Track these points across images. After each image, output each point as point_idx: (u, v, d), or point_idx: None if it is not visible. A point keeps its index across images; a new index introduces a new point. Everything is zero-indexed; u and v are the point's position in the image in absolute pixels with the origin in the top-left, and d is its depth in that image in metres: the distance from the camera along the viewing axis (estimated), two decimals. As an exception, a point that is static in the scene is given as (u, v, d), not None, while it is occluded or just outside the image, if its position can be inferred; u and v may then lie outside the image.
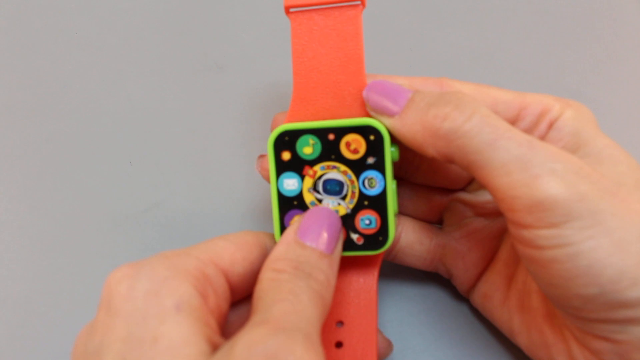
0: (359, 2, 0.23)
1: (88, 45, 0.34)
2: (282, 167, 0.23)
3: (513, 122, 0.23)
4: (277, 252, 0.20)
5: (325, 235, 0.21)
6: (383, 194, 0.22)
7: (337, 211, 0.22)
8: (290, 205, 0.23)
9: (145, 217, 0.30)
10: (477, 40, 0.34)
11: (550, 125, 0.22)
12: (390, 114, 0.21)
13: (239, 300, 0.22)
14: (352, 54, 0.23)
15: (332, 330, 0.24)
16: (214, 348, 0.17)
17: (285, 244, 0.20)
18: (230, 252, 0.20)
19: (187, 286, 0.18)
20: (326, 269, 0.20)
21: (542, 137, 0.22)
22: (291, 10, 0.23)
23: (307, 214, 0.22)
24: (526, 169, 0.18)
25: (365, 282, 0.24)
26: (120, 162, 0.31)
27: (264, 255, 0.22)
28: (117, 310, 0.17)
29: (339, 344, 0.24)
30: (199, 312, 0.18)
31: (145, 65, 0.34)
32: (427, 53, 0.34)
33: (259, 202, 0.30)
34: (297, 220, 0.21)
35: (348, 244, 0.23)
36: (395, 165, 0.25)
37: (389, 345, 0.25)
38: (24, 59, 0.34)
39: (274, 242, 0.23)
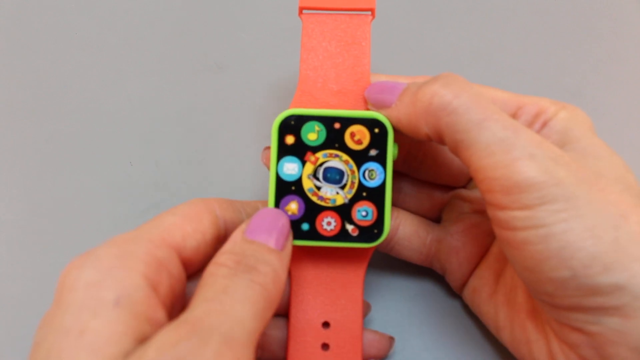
0: (369, 13, 0.24)
1: (88, 45, 0.34)
2: (284, 151, 0.23)
3: None
4: (224, 247, 0.20)
5: (273, 231, 0.20)
6: (382, 186, 0.22)
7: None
8: (288, 190, 0.23)
9: (145, 217, 0.30)
10: (477, 41, 0.34)
11: (544, 125, 0.22)
12: (388, 105, 0.22)
13: (197, 273, 0.21)
14: (359, 58, 0.24)
15: (318, 332, 0.24)
16: None
17: (232, 241, 0.20)
18: (180, 227, 0.20)
19: (133, 276, 0.17)
20: (274, 262, 0.19)
21: None
22: (304, 12, 0.24)
23: (256, 214, 0.21)
24: (507, 152, 0.19)
25: (353, 278, 0.24)
26: (120, 162, 0.31)
27: (215, 223, 0.21)
28: (61, 302, 0.17)
29: (325, 346, 0.24)
30: (141, 306, 0.17)
31: (145, 65, 0.34)
32: (428, 53, 0.34)
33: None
34: (245, 221, 0.21)
35: (342, 235, 0.23)
36: (399, 160, 0.26)
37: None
38: (24, 59, 0.34)
39: (224, 206, 0.22)
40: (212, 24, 0.35)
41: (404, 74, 0.24)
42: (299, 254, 0.24)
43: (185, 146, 0.32)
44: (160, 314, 0.18)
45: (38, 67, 0.34)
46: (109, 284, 0.17)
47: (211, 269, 0.19)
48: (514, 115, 0.23)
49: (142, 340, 0.17)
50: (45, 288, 0.29)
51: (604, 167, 0.20)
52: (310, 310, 0.24)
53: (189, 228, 0.20)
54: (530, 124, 0.23)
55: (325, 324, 0.24)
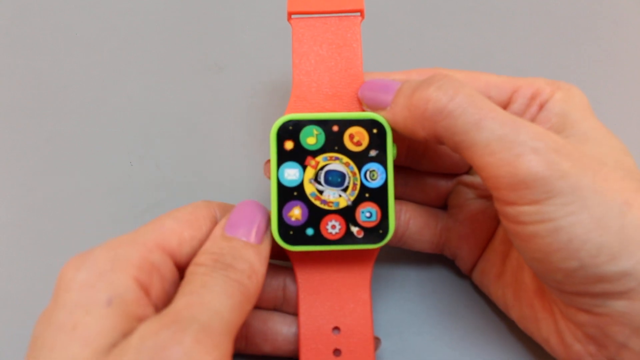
0: (358, 14, 0.24)
1: (88, 45, 0.34)
2: (283, 157, 0.22)
3: (505, 105, 0.23)
4: (205, 246, 0.21)
5: (252, 226, 0.21)
6: (384, 186, 0.22)
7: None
8: (290, 196, 0.22)
9: (145, 217, 0.30)
10: (476, 40, 0.34)
11: (541, 107, 0.23)
12: (383, 107, 0.22)
13: None
14: (351, 60, 0.24)
15: (329, 337, 0.23)
16: None
17: (212, 239, 0.21)
18: (178, 233, 0.20)
19: (125, 279, 0.18)
20: (251, 257, 0.20)
21: (533, 119, 0.23)
22: (293, 16, 0.24)
23: (235, 208, 0.22)
24: (509, 149, 0.19)
25: (360, 281, 0.24)
26: (120, 162, 0.31)
27: (213, 228, 0.22)
28: (57, 300, 0.18)
29: (337, 352, 0.23)
30: (132, 307, 0.18)
31: (145, 66, 0.34)
32: (427, 53, 0.34)
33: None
34: (226, 216, 0.22)
35: (347, 238, 0.23)
36: (400, 155, 0.26)
37: (377, 340, 0.25)
38: (24, 59, 0.34)
39: (226, 211, 0.23)
40: (212, 24, 0.35)
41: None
42: (303, 260, 0.24)
43: (185, 146, 0.32)
44: (150, 313, 0.19)
45: (38, 67, 0.34)
46: (102, 286, 0.18)
47: (191, 269, 0.20)
48: (510, 99, 0.23)
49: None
50: (45, 288, 0.29)
51: (604, 152, 0.21)
52: (319, 316, 0.24)
53: (186, 234, 0.21)
54: (526, 107, 0.23)
55: (336, 329, 0.24)
